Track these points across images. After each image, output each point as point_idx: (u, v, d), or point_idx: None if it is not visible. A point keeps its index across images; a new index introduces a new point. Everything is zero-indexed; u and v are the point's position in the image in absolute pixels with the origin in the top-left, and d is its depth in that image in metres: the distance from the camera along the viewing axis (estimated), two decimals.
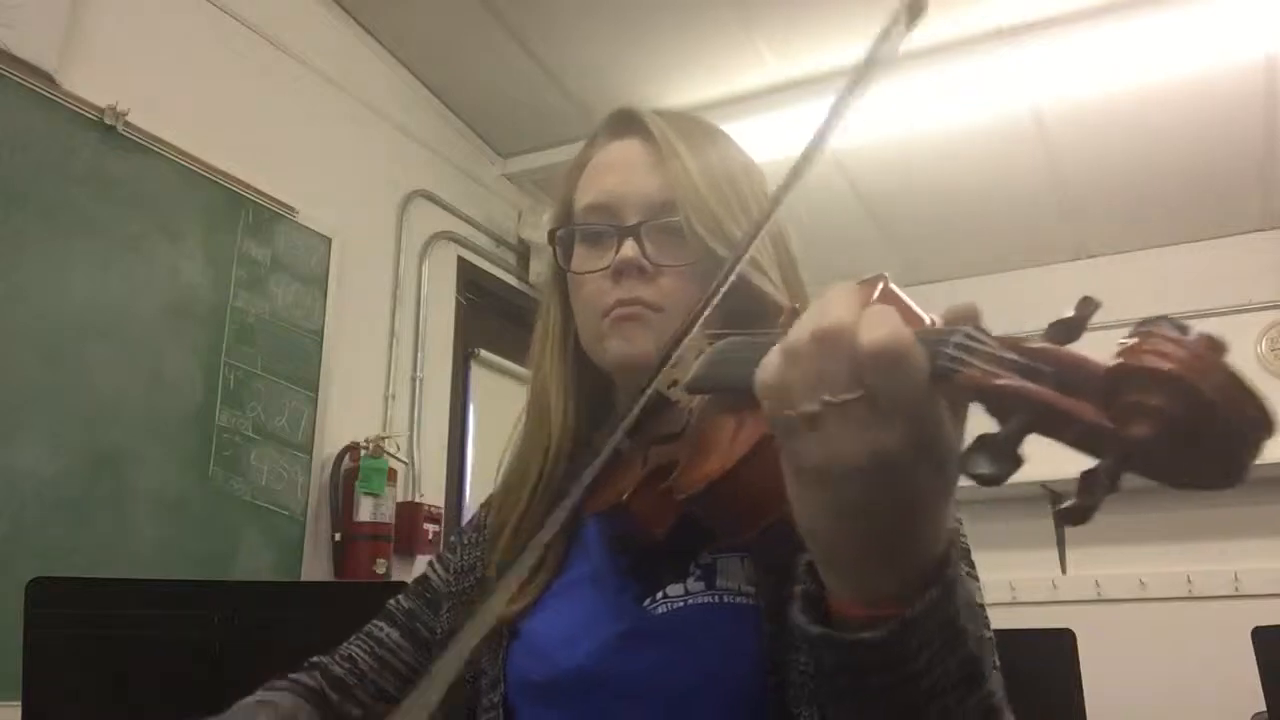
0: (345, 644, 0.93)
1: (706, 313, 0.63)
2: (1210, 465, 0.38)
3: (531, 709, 0.78)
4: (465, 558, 0.93)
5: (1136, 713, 3.30)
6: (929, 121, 3.16)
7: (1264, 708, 1.90)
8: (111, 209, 2.22)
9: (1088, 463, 0.40)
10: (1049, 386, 0.40)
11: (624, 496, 0.66)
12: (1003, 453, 0.40)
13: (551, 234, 0.88)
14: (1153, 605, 3.70)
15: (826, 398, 0.46)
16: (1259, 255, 3.85)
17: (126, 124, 2.25)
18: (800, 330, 0.48)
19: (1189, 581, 3.66)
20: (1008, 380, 0.41)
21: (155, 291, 2.29)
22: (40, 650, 1.18)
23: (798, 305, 0.79)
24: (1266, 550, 3.59)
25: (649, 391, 0.62)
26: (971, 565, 0.74)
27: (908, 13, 0.64)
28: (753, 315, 0.72)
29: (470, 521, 0.98)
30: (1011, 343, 0.43)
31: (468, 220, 3.42)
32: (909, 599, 0.48)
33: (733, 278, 0.62)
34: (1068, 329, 0.42)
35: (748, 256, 0.66)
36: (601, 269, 0.82)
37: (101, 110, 2.21)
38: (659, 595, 0.75)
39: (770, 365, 0.49)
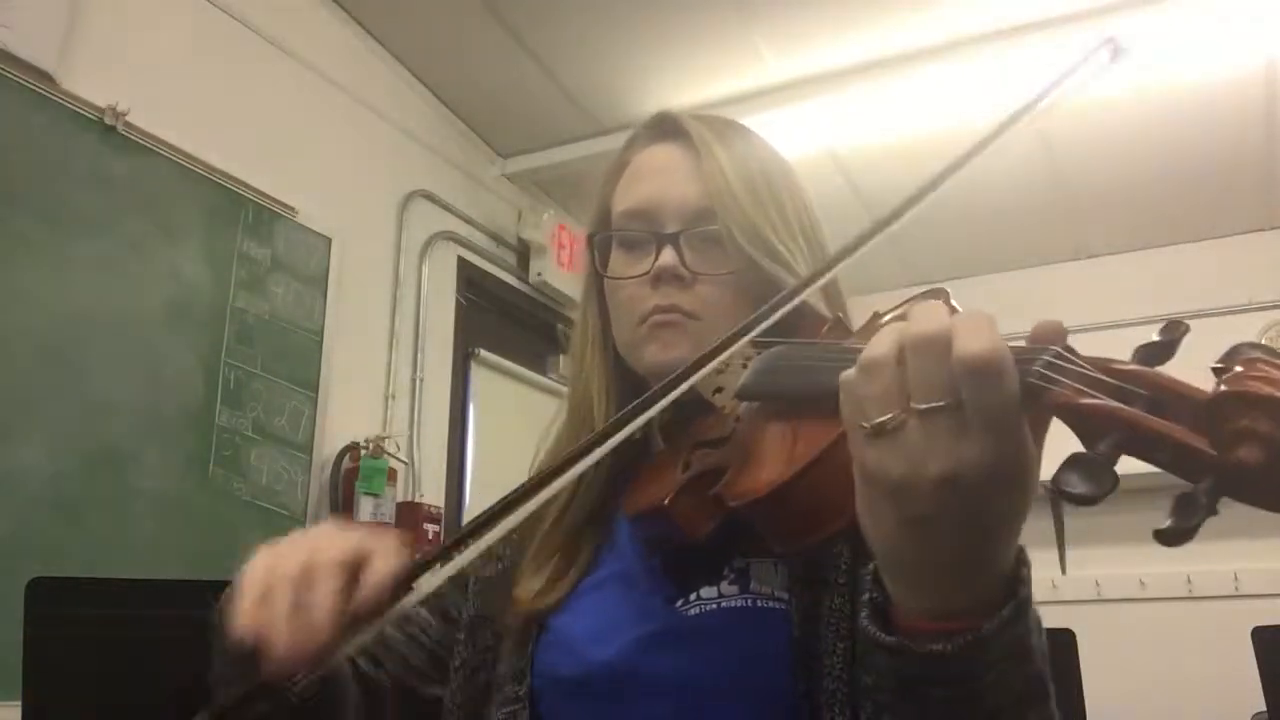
0: None
1: (757, 331, 0.62)
2: None
3: (559, 703, 0.78)
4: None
5: (1136, 713, 3.30)
6: (929, 121, 3.16)
7: (1264, 708, 1.90)
8: (111, 209, 2.22)
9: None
10: (1141, 408, 0.40)
11: (666, 500, 0.66)
12: (1099, 472, 0.40)
13: (590, 238, 0.88)
14: (1153, 605, 3.70)
15: (914, 404, 0.45)
16: (1259, 255, 3.85)
17: (126, 124, 2.25)
18: (887, 338, 0.47)
19: (1189, 581, 3.66)
20: (1100, 400, 0.41)
21: (155, 291, 2.29)
22: (40, 650, 1.18)
23: (840, 315, 0.79)
24: (1266, 550, 3.58)
25: (683, 387, 0.61)
26: (1040, 630, 0.75)
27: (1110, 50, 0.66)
28: (794, 324, 0.72)
29: None
30: (1102, 364, 0.43)
31: (468, 220, 3.42)
32: (977, 615, 0.48)
33: (790, 307, 0.62)
34: (1158, 351, 0.43)
35: (807, 291, 0.66)
36: (640, 275, 0.82)
37: (101, 110, 2.21)
38: (692, 597, 0.75)
39: (856, 372, 0.48)
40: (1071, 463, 0.41)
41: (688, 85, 3.12)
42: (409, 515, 2.85)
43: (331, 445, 2.70)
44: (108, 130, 2.22)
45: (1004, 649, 0.49)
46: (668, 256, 0.80)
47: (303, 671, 0.58)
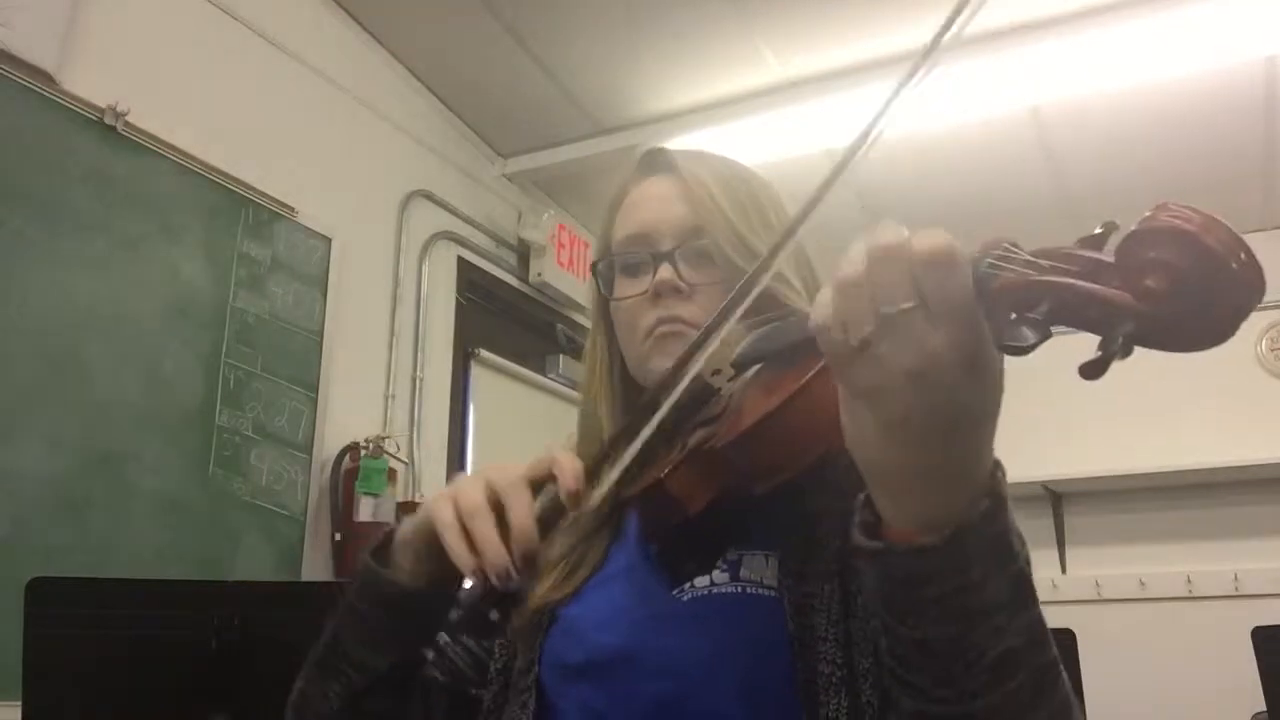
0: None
1: (744, 305, 0.68)
2: (1208, 321, 0.43)
3: (563, 686, 0.83)
4: None
5: (1136, 713, 3.30)
6: (929, 121, 3.16)
7: (1264, 708, 1.90)
8: (111, 209, 2.22)
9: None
10: (1074, 278, 0.45)
11: (663, 474, 0.70)
12: (1037, 326, 0.45)
13: (593, 266, 0.96)
14: (1153, 605, 3.70)
15: (885, 309, 0.49)
16: (1259, 255, 3.84)
17: (126, 124, 2.25)
18: (852, 261, 0.51)
19: (1189, 581, 3.66)
20: (1040, 277, 0.46)
21: (155, 291, 2.29)
22: (40, 650, 1.18)
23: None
24: (1266, 550, 3.58)
25: (697, 366, 0.68)
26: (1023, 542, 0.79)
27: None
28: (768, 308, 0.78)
29: None
30: (1044, 251, 0.48)
31: (468, 220, 3.42)
32: (959, 521, 0.51)
33: (764, 281, 0.68)
34: (1093, 241, 0.47)
35: (774, 267, 0.72)
36: (641, 294, 0.90)
37: (101, 110, 2.21)
38: (686, 586, 0.80)
39: (825, 299, 0.52)
40: (1016, 320, 0.46)
41: (688, 85, 3.12)
42: (409, 515, 2.85)
43: (331, 445, 2.70)
44: (108, 130, 2.22)
45: (987, 543, 0.52)
46: (665, 272, 0.88)
47: (520, 576, 0.67)
